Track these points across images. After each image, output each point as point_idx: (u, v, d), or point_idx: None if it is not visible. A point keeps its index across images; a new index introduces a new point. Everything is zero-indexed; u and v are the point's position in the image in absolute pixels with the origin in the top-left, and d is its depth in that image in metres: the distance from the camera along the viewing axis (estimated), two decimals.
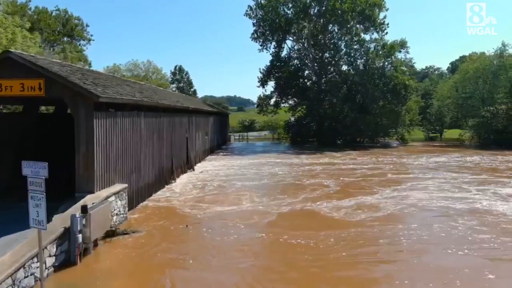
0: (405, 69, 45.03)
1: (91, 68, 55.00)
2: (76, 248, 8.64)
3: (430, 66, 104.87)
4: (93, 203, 9.82)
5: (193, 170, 23.69)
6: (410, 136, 45.91)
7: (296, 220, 12.90)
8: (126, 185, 12.64)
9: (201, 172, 23.52)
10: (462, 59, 66.00)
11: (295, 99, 51.10)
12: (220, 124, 43.39)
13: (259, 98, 53.39)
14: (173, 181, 19.64)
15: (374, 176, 21.45)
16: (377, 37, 45.60)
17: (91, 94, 10.56)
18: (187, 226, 11.80)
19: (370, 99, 44.08)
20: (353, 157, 31.58)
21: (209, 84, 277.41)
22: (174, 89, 61.86)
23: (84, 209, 8.96)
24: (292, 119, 51.07)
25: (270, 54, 49.40)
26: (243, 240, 10.71)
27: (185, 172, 22.64)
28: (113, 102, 12.21)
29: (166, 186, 18.49)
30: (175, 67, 63.30)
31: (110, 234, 10.59)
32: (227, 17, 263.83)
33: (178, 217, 12.93)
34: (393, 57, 44.30)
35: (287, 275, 8.48)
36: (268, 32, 48.28)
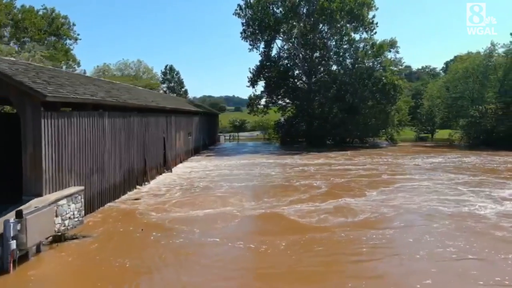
0: (395, 69, 44.67)
1: (80, 68, 54.68)
2: (9, 255, 8.20)
3: (426, 66, 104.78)
4: (35, 207, 9.40)
5: (171, 171, 23.24)
6: (400, 136, 45.56)
7: (258, 225, 12.49)
8: (82, 187, 12.20)
9: (182, 172, 23.10)
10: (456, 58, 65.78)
11: (285, 99, 50.75)
12: (208, 124, 42.96)
13: (249, 98, 53.02)
14: (146, 183, 19.20)
15: (366, 176, 21.07)
16: (366, 36, 45.29)
17: (37, 93, 10.12)
18: (142, 230, 11.37)
19: (359, 99, 43.77)
20: (332, 156, 31.24)
21: (207, 85, 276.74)
22: (164, 89, 61.42)
23: (19, 214, 8.51)
24: (282, 119, 50.66)
25: (259, 53, 49.02)
26: (190, 246, 10.26)
27: (161, 173, 22.21)
28: (67, 101, 11.77)
29: (138, 188, 18.07)
30: (166, 66, 62.99)
31: (58, 239, 10.15)
32: (225, 17, 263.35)
33: (137, 221, 12.48)
34: (382, 56, 43.93)
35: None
36: (257, 32, 47.91)
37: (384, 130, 45.24)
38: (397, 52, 45.54)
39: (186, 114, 30.49)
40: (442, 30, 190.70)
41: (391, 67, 43.83)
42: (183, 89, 64.20)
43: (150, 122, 20.11)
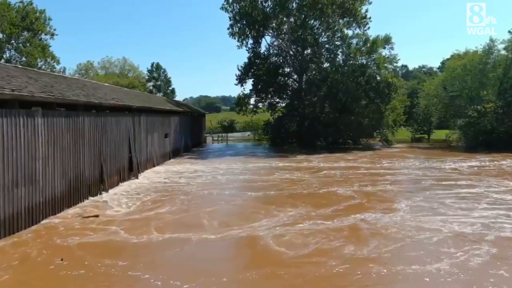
0: (390, 66, 42.44)
1: (60, 66, 52.12)
2: None
3: (423, 66, 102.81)
4: None
5: (137, 178, 20.82)
6: (395, 137, 43.30)
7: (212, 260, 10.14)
8: None
9: (151, 178, 20.69)
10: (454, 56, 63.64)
11: (275, 98, 48.44)
12: (192, 124, 40.53)
13: (238, 97, 50.68)
14: (103, 192, 16.82)
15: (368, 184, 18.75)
16: (359, 32, 43.06)
17: None
18: (62, 260, 8.97)
19: (352, 98, 41.56)
20: (323, 159, 28.93)
21: (205, 85, 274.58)
22: (150, 88, 58.95)
23: None
24: (271, 119, 48.34)
25: (247, 50, 46.70)
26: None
27: (125, 180, 19.81)
28: None
29: (90, 199, 15.66)
30: (152, 64, 60.39)
31: None
32: (222, 15, 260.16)
33: (60, 248, 10.03)
34: (376, 53, 41.69)
35: None
36: (245, 27, 45.58)
37: (378, 131, 42.97)
38: (392, 48, 43.32)
39: (162, 114, 28.09)
40: (441, 29, 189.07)
41: (385, 64, 41.56)
42: (170, 88, 61.70)
43: (108, 122, 17.70)
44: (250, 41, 46.53)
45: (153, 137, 25.12)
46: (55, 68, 49.88)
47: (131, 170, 20.75)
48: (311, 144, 41.82)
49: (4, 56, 42.18)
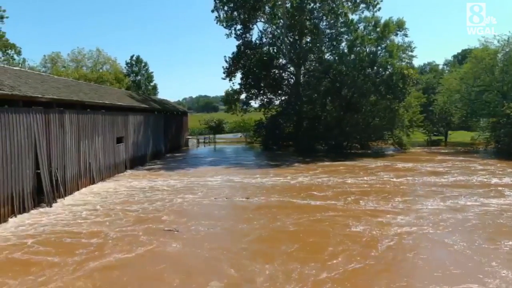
0: (404, 55, 35.42)
1: (20, 57, 45.26)
2: None
3: (429, 63, 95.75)
4: None
5: (50, 205, 13.95)
6: (410, 139, 36.39)
7: None
8: None
9: (74, 206, 13.82)
10: (465, 52, 56.74)
11: (268, 93, 41.60)
12: (165, 125, 33.56)
13: (226, 93, 43.89)
14: None
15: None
16: (368, 15, 36.18)
17: None
18: None
19: (359, 93, 34.71)
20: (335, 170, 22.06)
21: (204, 84, 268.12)
22: (130, 83, 51.98)
23: None
24: (264, 118, 41.49)
25: (235, 37, 39.86)
26: None
27: (28, 209, 12.99)
28: None
29: None
30: (132, 57, 53.23)
31: None
32: None
33: None
34: (387, 40, 34.75)
35: None
36: (233, 11, 38.76)
37: (390, 133, 36.02)
38: (406, 35, 36.21)
39: (112, 112, 21.20)
40: (440, 29, 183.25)
41: (398, 53, 34.56)
42: (151, 84, 54.64)
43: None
44: (239, 27, 39.74)
45: (92, 142, 18.25)
46: (14, 59, 43.15)
47: (40, 193, 13.89)
48: (309, 148, 35.04)
49: None
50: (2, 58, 42.28)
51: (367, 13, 36.60)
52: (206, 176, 20.90)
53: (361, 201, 14.66)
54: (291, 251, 9.50)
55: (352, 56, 34.57)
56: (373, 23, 34.87)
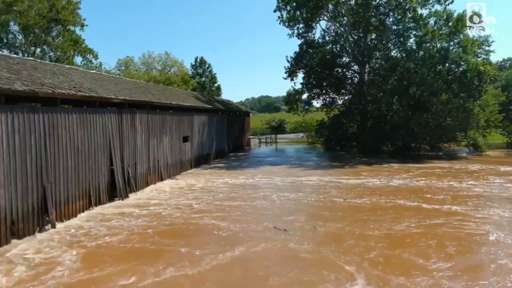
0: (479, 50, 32.88)
1: (98, 61, 48.76)
2: None
3: (509, 58, 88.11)
4: None
5: (121, 199, 14.84)
6: (486, 141, 33.66)
7: None
8: None
9: (145, 200, 14.62)
10: None
11: (330, 93, 40.90)
12: (229, 125, 34.31)
13: (287, 93, 43.77)
14: (45, 228, 11.04)
15: None
16: (438, 8, 34.10)
17: None
18: None
19: (428, 92, 32.77)
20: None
21: (266, 84, 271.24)
22: (195, 84, 53.88)
23: None
24: (327, 118, 40.80)
25: (297, 37, 39.62)
26: None
27: (103, 202, 13.92)
28: None
29: (12, 242, 9.85)
30: (196, 59, 55.12)
31: None
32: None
33: None
34: (461, 34, 32.47)
35: None
36: (296, 10, 38.56)
37: (464, 134, 33.62)
38: (482, 28, 33.56)
39: (180, 112, 22.07)
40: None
41: (474, 48, 32.16)
42: (215, 85, 56.16)
43: (59, 122, 11.82)
44: (301, 26, 39.45)
45: (160, 141, 19.13)
46: (92, 63, 46.59)
47: (114, 189, 14.81)
48: (374, 149, 33.86)
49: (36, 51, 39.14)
50: (82, 62, 45.89)
51: (437, 7, 34.61)
52: (277, 175, 20.96)
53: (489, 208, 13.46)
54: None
55: (421, 52, 32.79)
56: (444, 17, 32.81)
